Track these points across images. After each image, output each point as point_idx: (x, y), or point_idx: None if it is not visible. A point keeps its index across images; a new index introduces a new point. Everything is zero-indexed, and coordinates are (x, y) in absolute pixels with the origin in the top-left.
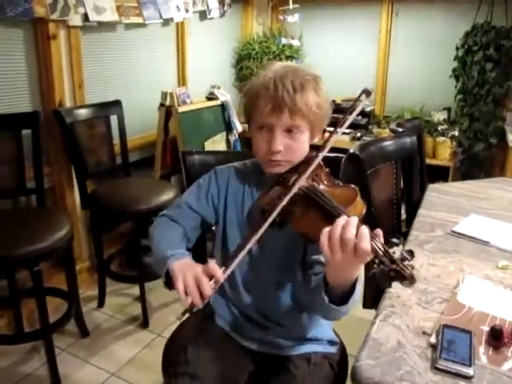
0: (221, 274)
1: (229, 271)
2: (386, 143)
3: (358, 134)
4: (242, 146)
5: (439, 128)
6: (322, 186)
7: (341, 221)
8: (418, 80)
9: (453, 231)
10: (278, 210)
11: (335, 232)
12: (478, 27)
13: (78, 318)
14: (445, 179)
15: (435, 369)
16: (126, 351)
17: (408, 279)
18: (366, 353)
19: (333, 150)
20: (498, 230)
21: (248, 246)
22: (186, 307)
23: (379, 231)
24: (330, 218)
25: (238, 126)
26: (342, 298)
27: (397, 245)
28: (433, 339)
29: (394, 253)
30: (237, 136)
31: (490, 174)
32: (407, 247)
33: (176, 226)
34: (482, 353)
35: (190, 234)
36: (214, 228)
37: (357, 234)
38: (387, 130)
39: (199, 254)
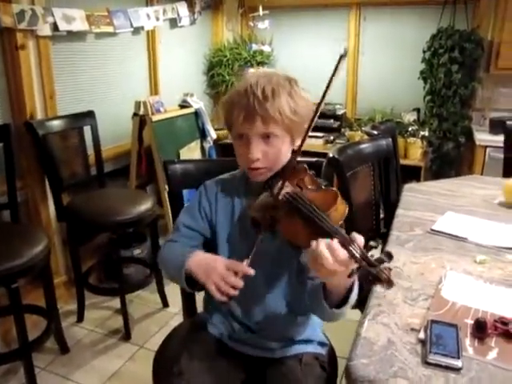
0: (246, 267)
1: (249, 261)
2: (363, 146)
3: (331, 138)
4: (217, 153)
5: (410, 129)
6: (305, 191)
7: (312, 246)
8: (388, 82)
9: (432, 229)
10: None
11: (312, 256)
12: (442, 31)
13: (58, 335)
14: (417, 179)
15: (426, 363)
16: (108, 365)
17: (384, 282)
18: (358, 352)
19: (309, 154)
20: (474, 226)
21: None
22: (224, 301)
23: (355, 235)
24: (312, 224)
25: (213, 133)
26: (341, 300)
27: (375, 247)
28: (421, 335)
29: (372, 256)
30: (211, 143)
31: (460, 172)
32: (389, 247)
33: (179, 246)
34: (468, 345)
35: None
36: None
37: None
38: (359, 132)
39: None
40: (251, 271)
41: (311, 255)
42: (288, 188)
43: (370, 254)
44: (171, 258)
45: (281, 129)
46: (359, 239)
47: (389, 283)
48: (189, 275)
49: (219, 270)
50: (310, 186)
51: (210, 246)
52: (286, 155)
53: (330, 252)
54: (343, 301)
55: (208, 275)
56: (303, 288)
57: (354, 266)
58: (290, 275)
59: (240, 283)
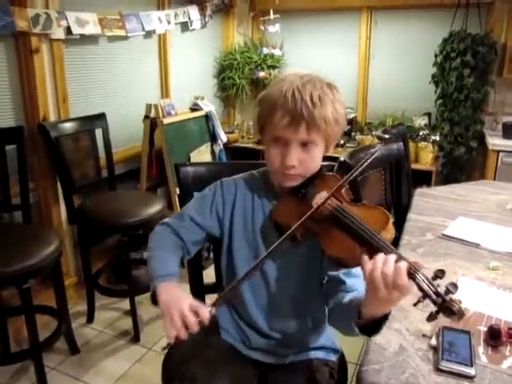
0: (206, 315)
1: (215, 310)
2: (375, 150)
3: (342, 141)
4: (227, 156)
5: (420, 133)
6: (346, 205)
7: (380, 259)
8: (399, 86)
9: (443, 234)
10: (296, 226)
11: (375, 269)
12: (454, 34)
13: (68, 335)
14: (428, 183)
15: (438, 370)
16: (117, 367)
17: (457, 314)
18: (369, 357)
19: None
20: (487, 232)
21: (250, 274)
22: (170, 342)
23: (419, 263)
24: (365, 243)
25: (223, 137)
26: (371, 323)
27: (440, 277)
28: (433, 341)
29: (438, 286)
30: (222, 146)
31: (471, 177)
32: (400, 252)
33: (173, 238)
34: (482, 352)
35: (189, 245)
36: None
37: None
38: (370, 136)
39: (195, 261)
40: (207, 322)
41: (369, 274)
42: (329, 200)
43: (436, 283)
44: (156, 259)
45: (321, 137)
46: (422, 266)
47: (460, 315)
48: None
49: (181, 306)
50: (348, 200)
51: (224, 248)
52: (319, 163)
53: (393, 272)
54: (373, 326)
55: (168, 306)
56: (325, 299)
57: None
58: (313, 286)
59: (195, 328)
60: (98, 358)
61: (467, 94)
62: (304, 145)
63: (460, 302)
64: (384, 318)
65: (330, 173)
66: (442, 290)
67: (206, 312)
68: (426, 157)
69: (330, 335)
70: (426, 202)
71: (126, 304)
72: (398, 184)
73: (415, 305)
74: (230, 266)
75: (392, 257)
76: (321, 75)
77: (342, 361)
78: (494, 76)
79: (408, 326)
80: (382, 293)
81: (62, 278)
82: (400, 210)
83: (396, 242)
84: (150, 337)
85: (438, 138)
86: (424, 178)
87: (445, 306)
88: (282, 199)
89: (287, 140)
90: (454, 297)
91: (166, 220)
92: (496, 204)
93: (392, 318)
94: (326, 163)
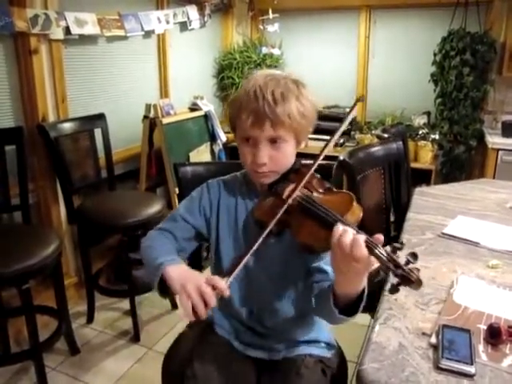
0: (224, 285)
1: (230, 280)
2: (374, 149)
3: (341, 141)
4: (226, 156)
5: (420, 132)
6: (316, 194)
7: (338, 230)
8: (398, 85)
9: (443, 233)
10: (274, 222)
11: (334, 239)
12: (453, 33)
13: (68, 335)
14: (427, 182)
15: (438, 368)
16: (117, 367)
17: (415, 283)
18: (369, 356)
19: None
20: (487, 231)
21: (247, 257)
22: (190, 319)
23: (380, 237)
24: (329, 227)
25: (222, 136)
26: (349, 305)
27: (399, 249)
28: (433, 340)
29: (398, 257)
30: (221, 146)
31: (471, 176)
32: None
33: (167, 235)
34: (482, 351)
35: (184, 244)
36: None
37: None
38: (369, 135)
39: (195, 261)
40: (227, 292)
41: (334, 247)
42: (298, 191)
43: (395, 255)
44: (156, 250)
45: (289, 132)
46: (382, 240)
47: (418, 283)
48: (163, 279)
49: (197, 281)
50: (319, 189)
51: (213, 248)
52: (291, 158)
53: (350, 242)
54: (352, 307)
55: (184, 283)
56: (310, 290)
57: (373, 267)
58: (297, 278)
59: (213, 301)
60: (98, 358)
61: (467, 93)
62: (273, 141)
63: (418, 271)
64: (360, 298)
65: (306, 165)
66: (401, 261)
67: (223, 283)
68: (425, 156)
69: (324, 329)
70: (426, 200)
71: (125, 304)
72: (398, 183)
73: (375, 279)
74: (217, 264)
75: (350, 230)
76: (289, 73)
77: (342, 359)
78: (493, 74)
79: (407, 325)
80: (340, 263)
81: (62, 279)
82: (399, 209)
83: (395, 240)
84: (150, 336)
85: (437, 137)
86: (423, 177)
87: (403, 276)
88: (261, 197)
89: (255, 138)
90: (413, 266)
91: (158, 226)
92: (495, 202)
93: (391, 317)
94: (324, 162)
